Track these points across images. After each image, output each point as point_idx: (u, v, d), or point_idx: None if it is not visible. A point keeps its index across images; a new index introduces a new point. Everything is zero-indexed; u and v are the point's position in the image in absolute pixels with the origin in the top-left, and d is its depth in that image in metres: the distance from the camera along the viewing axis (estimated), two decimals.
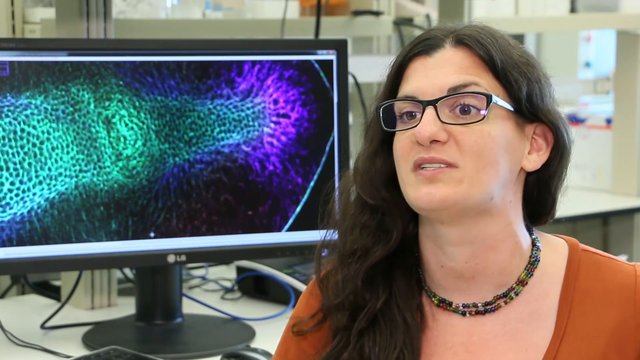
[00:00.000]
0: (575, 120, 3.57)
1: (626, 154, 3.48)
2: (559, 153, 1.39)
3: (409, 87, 1.36)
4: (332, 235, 1.45)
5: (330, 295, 1.42)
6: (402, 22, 3.30)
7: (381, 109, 1.38)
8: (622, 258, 2.67)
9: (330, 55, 2.20)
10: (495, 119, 1.33)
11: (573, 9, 3.67)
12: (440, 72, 1.34)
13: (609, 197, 3.49)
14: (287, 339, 1.49)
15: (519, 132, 1.36)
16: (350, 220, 1.42)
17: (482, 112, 1.32)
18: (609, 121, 3.55)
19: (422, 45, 1.37)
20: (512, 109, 1.35)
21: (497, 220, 1.36)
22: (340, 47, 2.22)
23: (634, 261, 3.15)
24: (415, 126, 1.33)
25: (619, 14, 3.54)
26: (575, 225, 3.55)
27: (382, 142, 1.40)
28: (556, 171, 1.40)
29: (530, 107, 1.36)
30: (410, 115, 1.35)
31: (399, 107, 1.37)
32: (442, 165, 1.32)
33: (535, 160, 1.38)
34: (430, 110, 1.33)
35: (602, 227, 3.67)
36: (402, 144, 1.35)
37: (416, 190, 1.33)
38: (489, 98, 1.32)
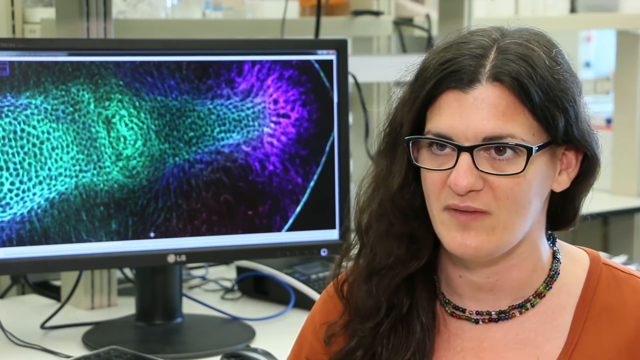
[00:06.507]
0: None
1: (626, 154, 3.48)
2: (588, 168, 1.36)
3: (442, 124, 1.29)
4: (354, 243, 1.43)
5: (359, 304, 1.40)
6: (402, 22, 3.31)
7: (410, 142, 1.33)
8: (622, 258, 2.67)
9: (330, 55, 2.20)
10: (531, 160, 1.29)
11: (573, 9, 3.67)
12: (476, 114, 1.28)
13: (609, 197, 3.49)
14: (302, 339, 1.50)
15: (551, 157, 1.32)
16: (380, 230, 1.39)
17: (521, 161, 1.28)
18: (609, 121, 3.55)
19: (456, 80, 1.29)
20: (546, 142, 1.30)
21: (523, 242, 1.35)
22: (340, 47, 2.22)
23: (634, 261, 3.14)
24: (449, 169, 1.29)
25: (619, 14, 3.54)
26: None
27: (407, 170, 1.36)
28: (585, 187, 1.38)
29: (565, 137, 1.32)
30: (441, 146, 1.31)
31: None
32: (475, 211, 1.29)
33: (564, 181, 1.35)
34: (466, 156, 1.28)
35: (602, 227, 3.67)
36: (434, 180, 1.31)
37: (449, 234, 1.31)
38: (529, 152, 1.28)
